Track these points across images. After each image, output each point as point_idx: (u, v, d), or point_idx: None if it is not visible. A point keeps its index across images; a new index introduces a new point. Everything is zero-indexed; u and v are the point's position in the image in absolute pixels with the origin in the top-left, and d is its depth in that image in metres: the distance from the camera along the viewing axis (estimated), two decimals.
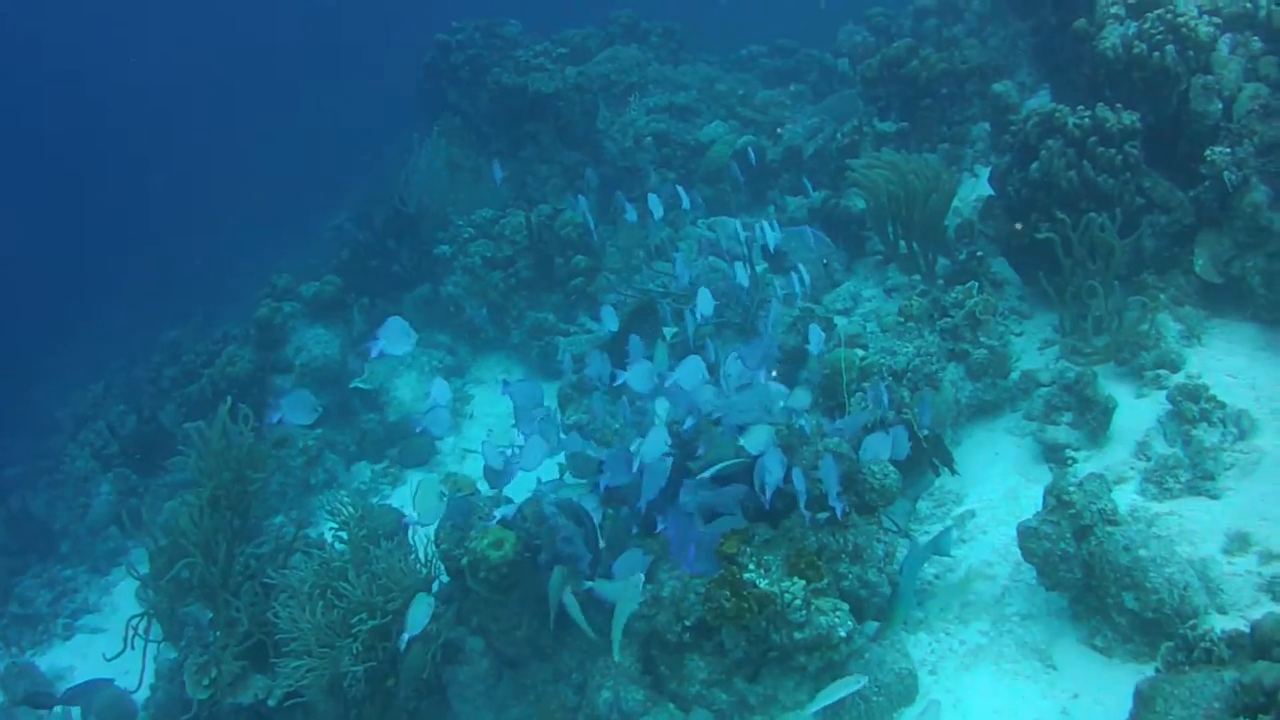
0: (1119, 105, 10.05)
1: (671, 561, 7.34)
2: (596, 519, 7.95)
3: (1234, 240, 9.59)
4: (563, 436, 8.16)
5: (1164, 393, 8.78)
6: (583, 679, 7.62)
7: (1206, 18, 10.21)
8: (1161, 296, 9.59)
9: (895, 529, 8.18)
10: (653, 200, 11.29)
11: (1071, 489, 7.03)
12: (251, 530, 9.69)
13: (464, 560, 7.67)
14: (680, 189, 12.12)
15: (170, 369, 17.00)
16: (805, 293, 10.45)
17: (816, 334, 8.77)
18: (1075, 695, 6.59)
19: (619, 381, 8.09)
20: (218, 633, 8.90)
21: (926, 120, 14.20)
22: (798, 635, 6.62)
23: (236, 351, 14.89)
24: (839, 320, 11.31)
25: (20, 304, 30.17)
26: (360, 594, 7.84)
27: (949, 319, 9.74)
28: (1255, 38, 10.15)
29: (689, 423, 7.89)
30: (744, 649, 6.83)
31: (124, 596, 13.50)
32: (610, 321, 10.28)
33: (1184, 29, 10.08)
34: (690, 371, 7.70)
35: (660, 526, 7.41)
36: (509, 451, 8.12)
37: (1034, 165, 10.06)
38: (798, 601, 6.61)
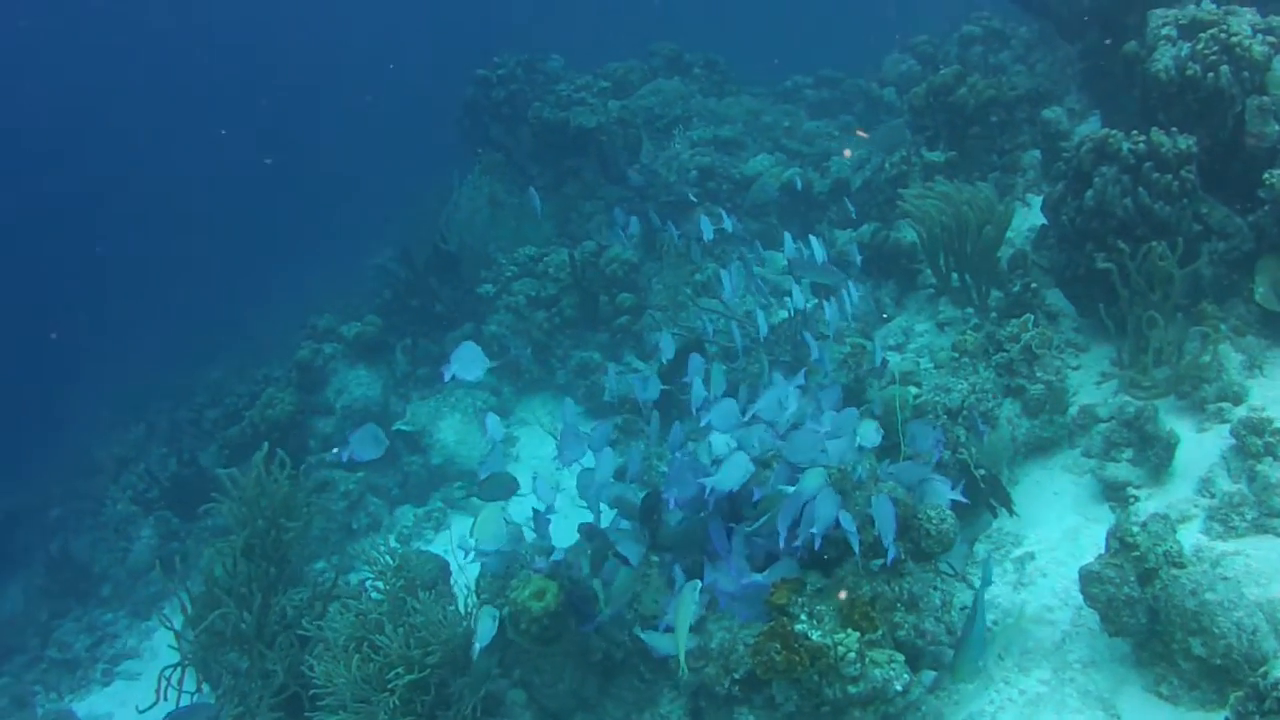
0: (1173, 129, 9.72)
1: (720, 611, 7.10)
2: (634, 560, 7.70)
3: None
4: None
5: (1227, 426, 8.43)
6: None
7: (1260, 36, 9.90)
8: (1222, 327, 9.26)
9: (951, 572, 7.88)
10: (703, 222, 11.17)
11: (1135, 531, 6.73)
12: (289, 578, 9.53)
13: (505, 610, 7.47)
14: (723, 212, 11.94)
15: (212, 410, 17.04)
16: (853, 316, 10.29)
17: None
18: None
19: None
20: (254, 684, 8.69)
21: (976, 149, 13.90)
22: (852, 689, 6.36)
23: (276, 394, 14.73)
24: (891, 357, 11.07)
25: (64, 341, 30.30)
26: (397, 647, 7.59)
27: (1004, 353, 9.46)
28: None
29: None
30: (795, 703, 6.55)
31: (164, 641, 13.26)
32: (668, 350, 10.15)
33: (1238, 49, 9.77)
34: (726, 413, 7.55)
35: (709, 578, 7.18)
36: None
37: (1088, 193, 9.74)
38: (852, 654, 6.35)
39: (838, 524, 6.66)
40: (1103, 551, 6.95)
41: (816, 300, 11.55)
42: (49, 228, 42.47)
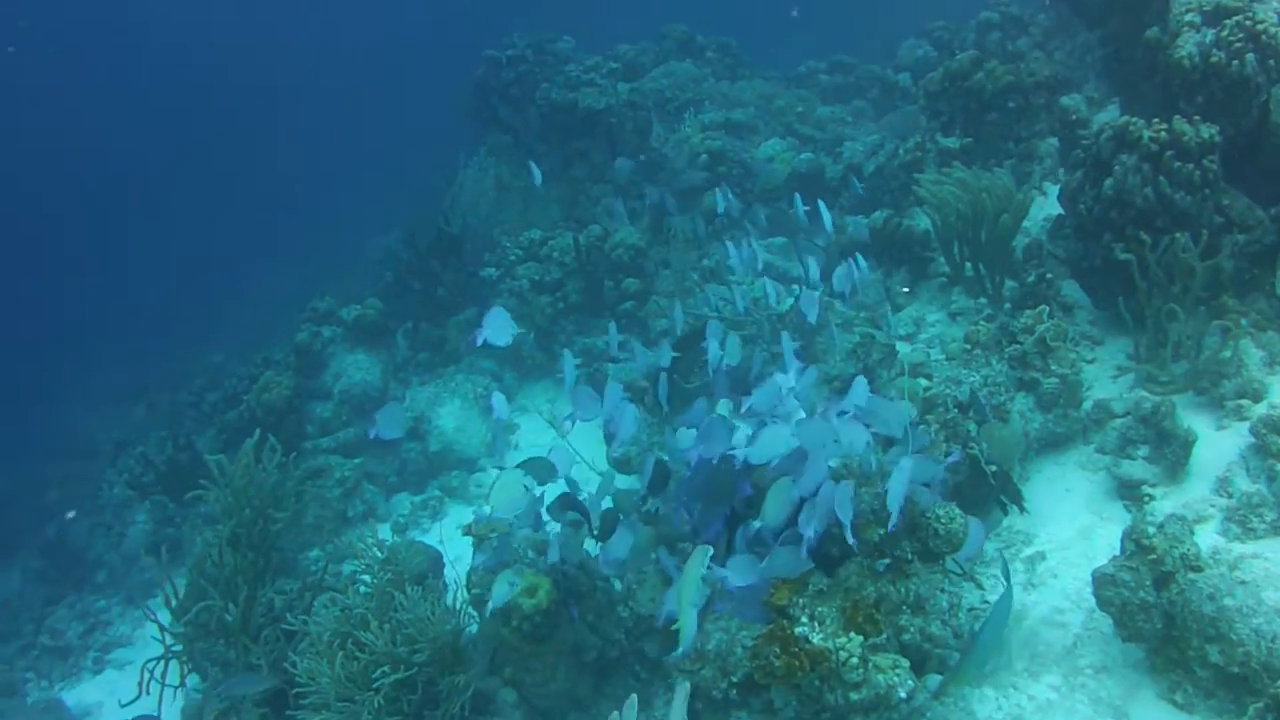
0: (1196, 118, 9.45)
1: (717, 611, 6.84)
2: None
3: None
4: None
5: (1246, 424, 8.20)
6: None
7: None
8: (1243, 321, 8.99)
9: (960, 572, 7.62)
10: (718, 197, 11.05)
11: (1152, 532, 6.49)
12: (276, 569, 9.35)
13: (494, 606, 7.23)
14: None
15: (212, 394, 16.84)
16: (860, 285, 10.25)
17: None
18: None
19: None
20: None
21: (992, 135, 13.66)
22: (854, 696, 6.10)
23: (273, 378, 14.48)
24: (901, 347, 10.85)
25: (67, 323, 30.28)
26: (383, 644, 7.33)
27: (1018, 345, 9.17)
28: None
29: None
30: (795, 708, 6.30)
31: (155, 629, 13.23)
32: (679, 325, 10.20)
33: (1264, 35, 9.54)
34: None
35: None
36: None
37: (1107, 182, 9.46)
38: (854, 659, 6.08)
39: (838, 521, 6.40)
40: (1117, 553, 6.74)
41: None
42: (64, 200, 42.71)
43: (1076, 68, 15.41)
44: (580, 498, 7.97)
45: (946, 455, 7.89)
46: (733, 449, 7.18)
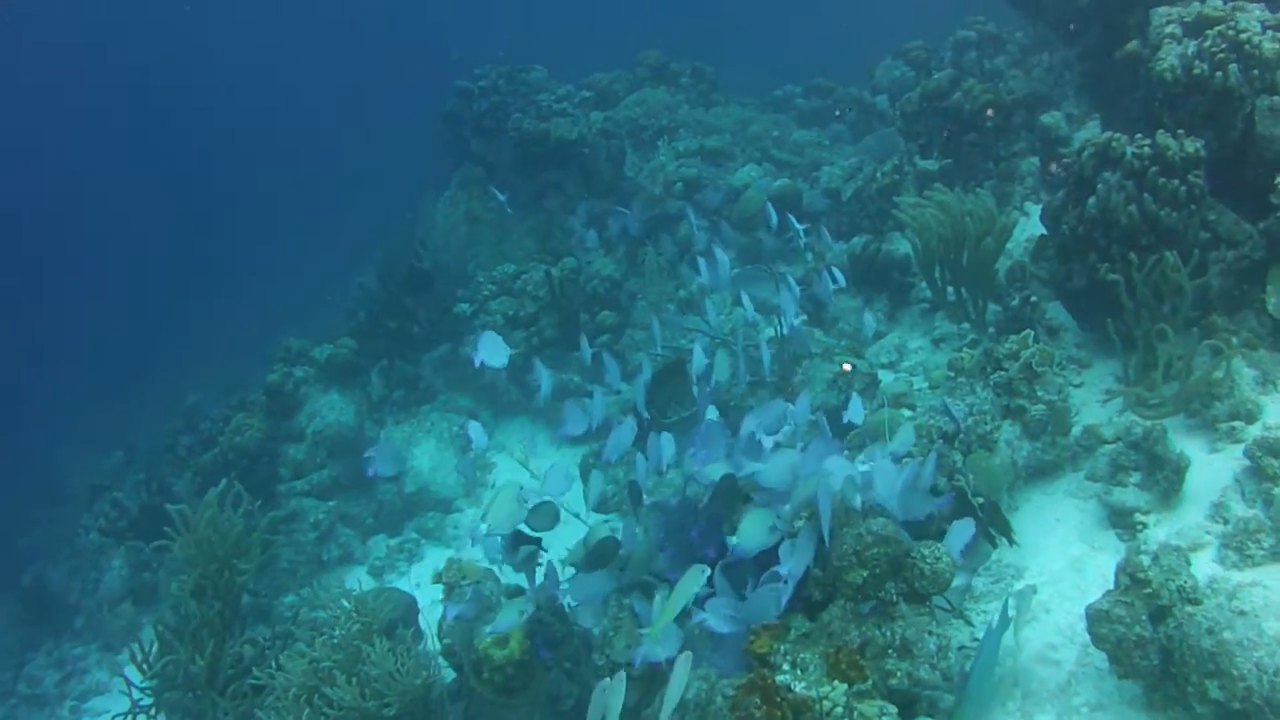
0: (1180, 132, 9.24)
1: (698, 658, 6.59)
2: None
3: None
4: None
5: (1240, 447, 7.93)
6: None
7: (1270, 33, 9.43)
8: (1234, 340, 8.74)
9: (948, 608, 7.36)
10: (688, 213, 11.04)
11: (1147, 565, 6.21)
12: (246, 618, 9.15)
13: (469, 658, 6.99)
14: (688, 212, 11.68)
15: (187, 436, 16.61)
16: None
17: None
18: None
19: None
20: None
21: (971, 156, 13.48)
22: None
23: (245, 420, 14.30)
24: (883, 375, 10.65)
25: (45, 363, 30.24)
26: (351, 699, 7.07)
27: (1003, 372, 8.92)
28: None
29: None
30: None
31: (132, 676, 13.08)
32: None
33: (1247, 46, 9.30)
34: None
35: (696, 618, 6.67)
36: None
37: (1090, 201, 9.25)
38: (839, 709, 5.81)
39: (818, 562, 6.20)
40: (1110, 585, 6.43)
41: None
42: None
43: (1055, 85, 15.27)
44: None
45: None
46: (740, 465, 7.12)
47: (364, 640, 7.50)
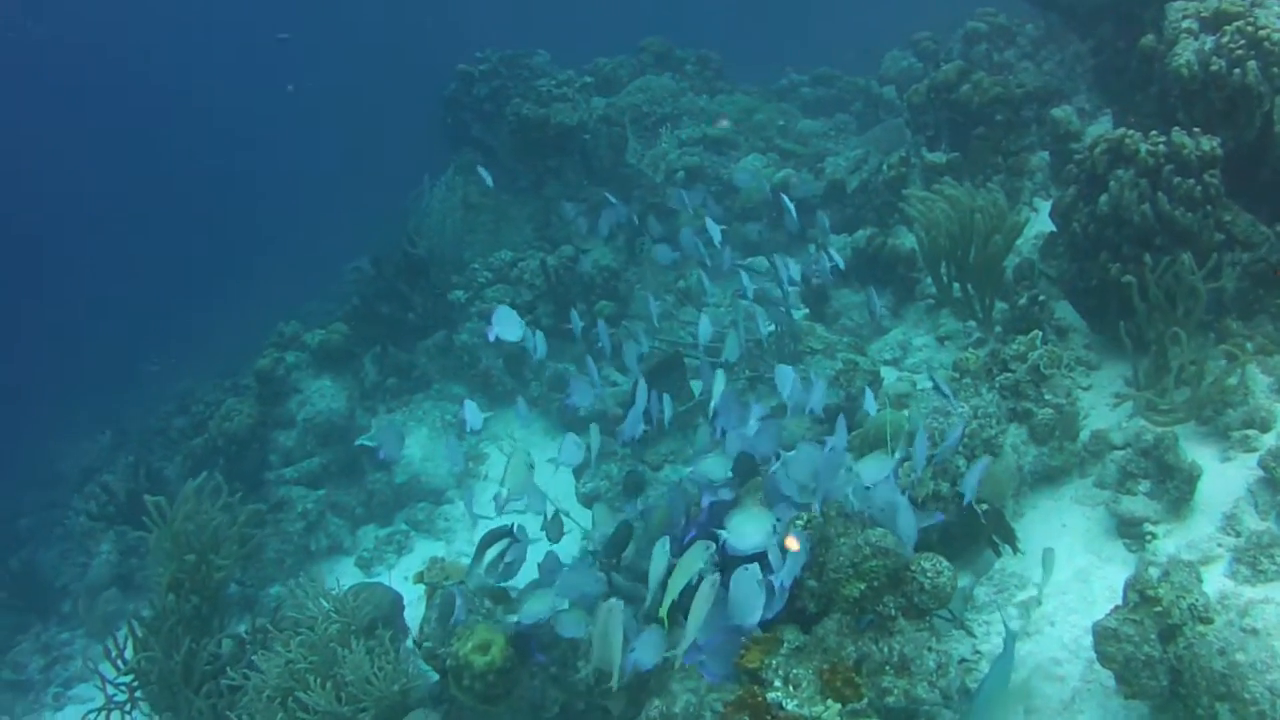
0: (1196, 129, 9.00)
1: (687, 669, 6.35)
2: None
3: None
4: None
5: (1254, 456, 7.69)
6: None
7: None
8: (1248, 345, 8.50)
9: (950, 618, 7.12)
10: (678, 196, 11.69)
11: (1157, 582, 5.97)
12: (226, 612, 8.93)
13: (447, 663, 6.73)
14: (709, 215, 11.50)
15: (180, 419, 16.51)
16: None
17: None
18: None
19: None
20: None
21: (980, 150, 13.24)
22: None
23: (235, 405, 14.09)
24: (887, 373, 10.43)
25: (48, 347, 30.22)
26: (326, 704, 6.83)
27: (1010, 374, 8.67)
28: None
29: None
30: None
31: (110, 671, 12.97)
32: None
33: (1266, 42, 9.06)
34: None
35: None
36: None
37: (1103, 198, 9.02)
38: None
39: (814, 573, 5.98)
40: (1117, 599, 6.20)
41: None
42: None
43: (1067, 78, 15.08)
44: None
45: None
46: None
47: (341, 642, 7.28)
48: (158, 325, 29.90)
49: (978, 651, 7.10)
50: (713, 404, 7.97)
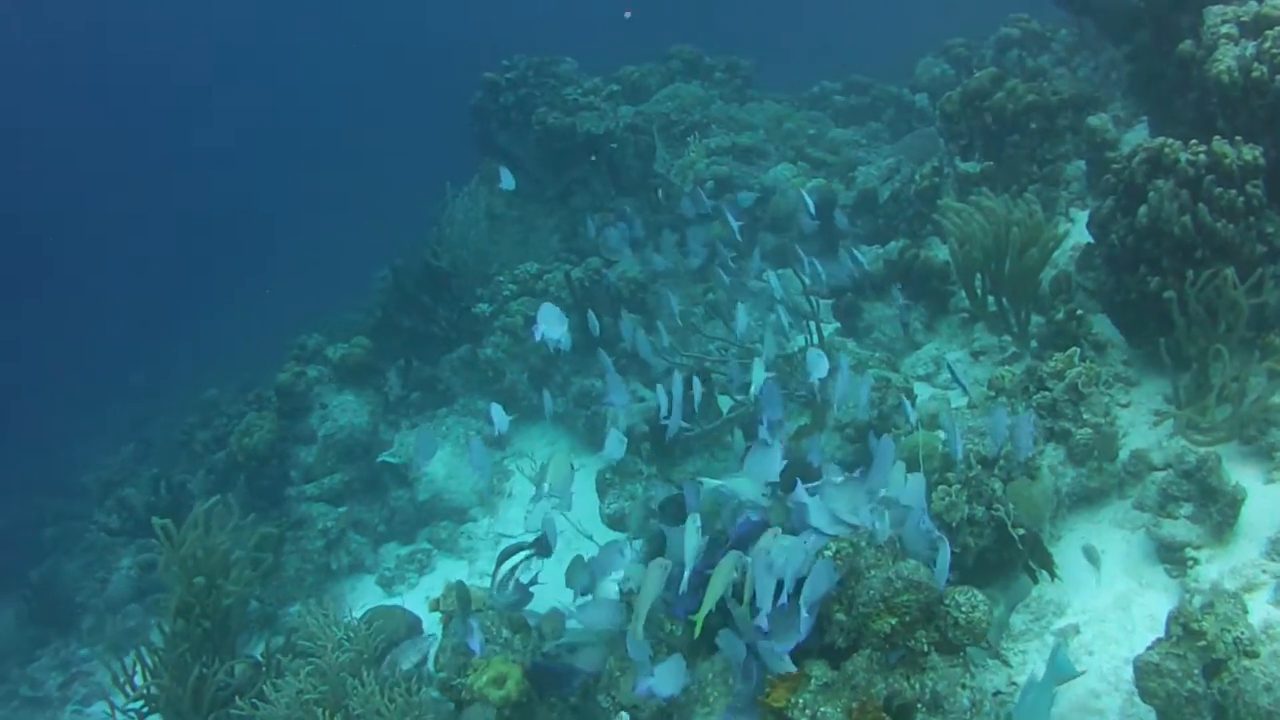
0: (1238, 138, 8.71)
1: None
2: None
3: None
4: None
5: None
6: None
7: None
8: None
9: (984, 647, 6.85)
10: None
11: (1201, 615, 5.69)
12: (246, 632, 8.78)
13: (462, 696, 6.50)
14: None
15: (202, 432, 16.40)
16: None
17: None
18: None
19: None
20: None
21: (1014, 159, 12.98)
22: None
23: (256, 420, 13.88)
24: (919, 388, 10.18)
25: (76, 355, 30.30)
26: None
27: (1046, 392, 8.40)
28: None
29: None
30: None
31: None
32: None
33: None
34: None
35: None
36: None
37: (1141, 210, 8.74)
38: None
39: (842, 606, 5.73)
40: (1159, 630, 5.95)
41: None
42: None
43: (1102, 85, 14.80)
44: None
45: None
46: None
47: (352, 672, 7.05)
48: (181, 331, 29.98)
49: (1013, 683, 6.84)
50: (753, 390, 8.07)
